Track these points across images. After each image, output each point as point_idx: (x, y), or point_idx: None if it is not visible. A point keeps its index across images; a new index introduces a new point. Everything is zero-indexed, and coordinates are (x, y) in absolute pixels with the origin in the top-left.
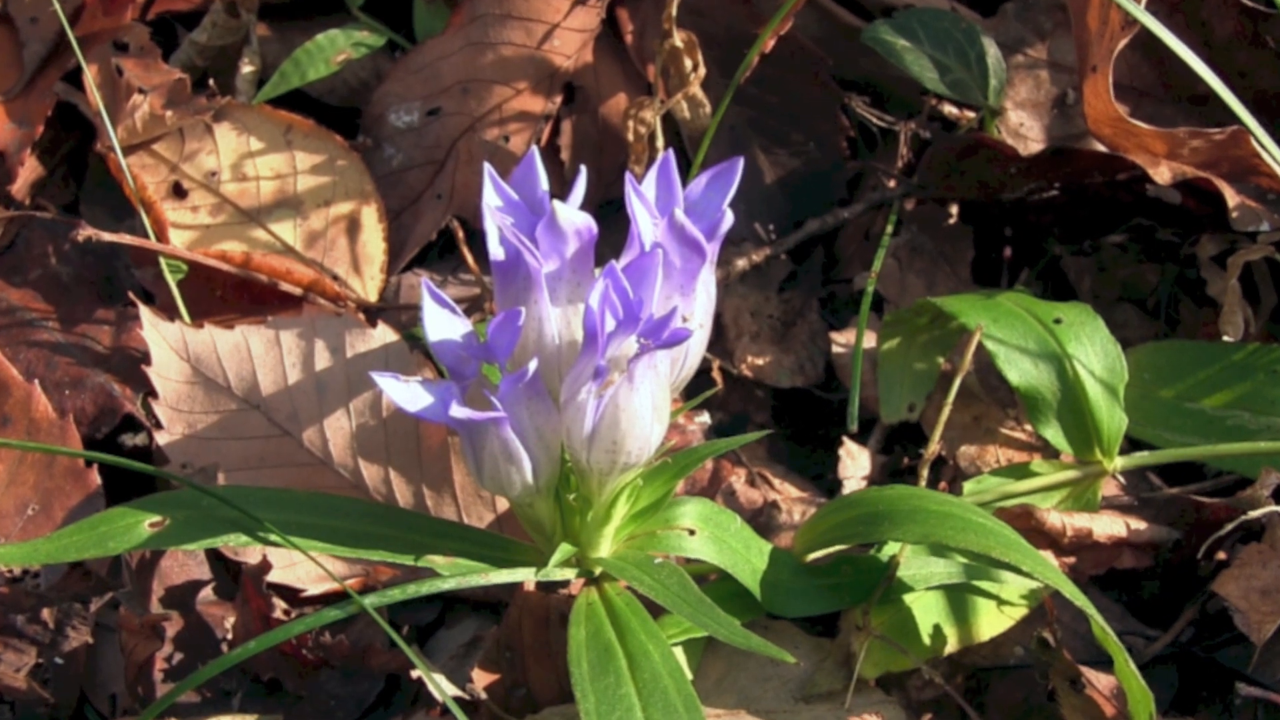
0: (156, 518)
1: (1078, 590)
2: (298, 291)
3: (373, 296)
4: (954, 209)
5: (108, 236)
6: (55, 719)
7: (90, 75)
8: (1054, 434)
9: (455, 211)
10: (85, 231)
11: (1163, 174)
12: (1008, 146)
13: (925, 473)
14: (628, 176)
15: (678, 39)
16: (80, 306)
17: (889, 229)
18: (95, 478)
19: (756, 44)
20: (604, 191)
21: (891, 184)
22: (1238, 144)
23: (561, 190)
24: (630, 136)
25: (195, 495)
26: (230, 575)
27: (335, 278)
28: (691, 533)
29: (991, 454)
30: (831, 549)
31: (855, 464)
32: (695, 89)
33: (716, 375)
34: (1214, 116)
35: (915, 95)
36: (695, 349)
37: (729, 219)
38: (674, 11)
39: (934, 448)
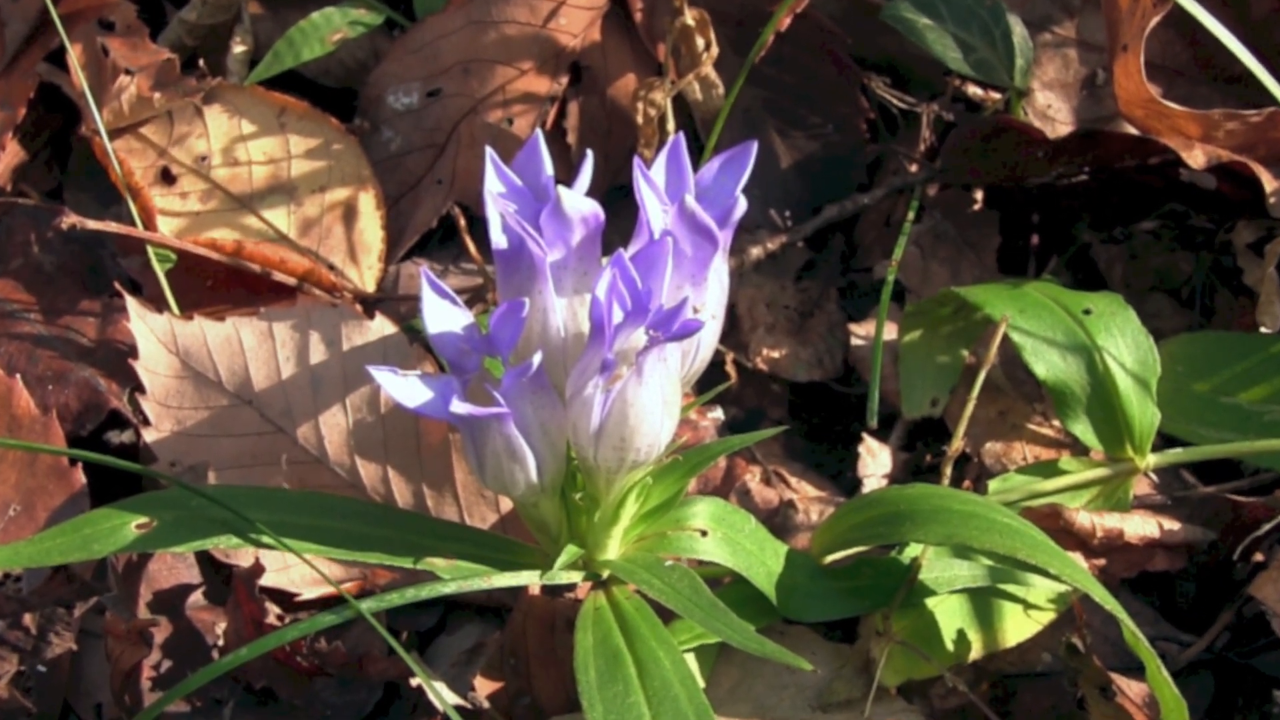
0: (144, 519)
1: (1108, 593)
2: (292, 281)
3: (370, 287)
4: (979, 194)
5: (93, 224)
6: None
7: (74, 55)
8: (1083, 430)
9: (456, 198)
10: (69, 219)
11: (1197, 158)
12: (1035, 129)
13: (948, 470)
14: (636, 161)
15: (689, 17)
16: (64, 297)
17: (911, 215)
18: (80, 477)
19: (772, 22)
20: (612, 177)
21: (913, 168)
22: (1275, 126)
23: (567, 175)
24: (639, 119)
25: (184, 495)
26: (221, 579)
27: (331, 267)
28: (704, 534)
29: (1018, 451)
30: (851, 550)
31: (875, 461)
32: (708, 69)
33: (730, 369)
34: (1250, 97)
35: (938, 76)
36: (707, 341)
37: (742, 205)
38: None
39: (958, 444)
